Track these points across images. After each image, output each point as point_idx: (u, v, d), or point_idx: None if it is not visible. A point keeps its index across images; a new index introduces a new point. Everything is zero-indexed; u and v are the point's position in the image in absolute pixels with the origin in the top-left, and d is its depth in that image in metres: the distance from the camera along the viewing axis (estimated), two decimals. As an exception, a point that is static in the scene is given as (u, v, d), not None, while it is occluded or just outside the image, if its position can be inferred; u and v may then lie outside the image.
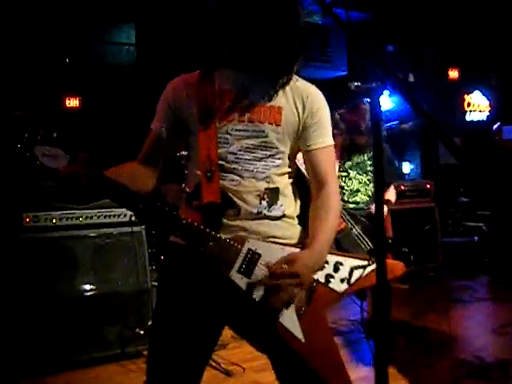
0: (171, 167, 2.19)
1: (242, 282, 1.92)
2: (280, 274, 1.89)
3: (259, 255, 1.94)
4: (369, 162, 4.32)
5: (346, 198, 4.25)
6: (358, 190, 4.29)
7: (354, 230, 4.08)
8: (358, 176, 4.30)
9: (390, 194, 4.46)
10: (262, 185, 2.00)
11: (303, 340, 1.96)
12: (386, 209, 4.15)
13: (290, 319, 1.95)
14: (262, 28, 1.90)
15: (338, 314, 5.22)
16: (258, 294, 1.91)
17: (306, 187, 2.14)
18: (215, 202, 1.96)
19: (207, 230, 1.91)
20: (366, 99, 4.28)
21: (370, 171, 4.31)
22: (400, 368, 3.93)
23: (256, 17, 1.89)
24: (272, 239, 2.01)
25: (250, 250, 1.94)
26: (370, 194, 4.31)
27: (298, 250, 2.00)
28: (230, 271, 1.91)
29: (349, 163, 4.32)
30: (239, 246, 1.93)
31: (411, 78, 8.07)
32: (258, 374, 3.84)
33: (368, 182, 4.30)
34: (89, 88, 7.15)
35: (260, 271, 1.93)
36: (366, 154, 4.33)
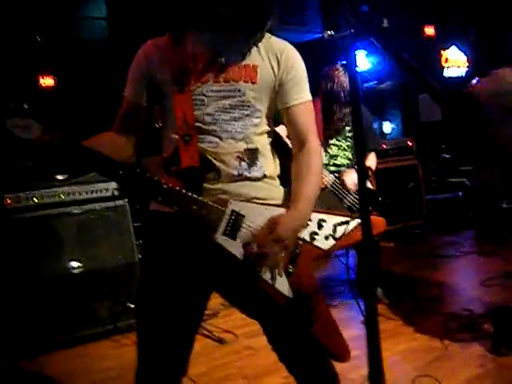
0: (151, 139, 2.15)
1: (227, 243, 1.91)
2: (265, 242, 1.88)
3: (243, 216, 1.94)
4: (347, 128, 4.28)
5: (325, 162, 4.24)
6: (336, 156, 4.27)
7: (335, 185, 4.09)
8: (336, 142, 4.28)
9: (371, 161, 4.42)
10: (241, 145, 1.97)
11: (291, 297, 1.96)
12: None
13: (279, 279, 1.95)
14: None
15: (327, 274, 5.26)
16: (242, 255, 1.91)
17: (284, 148, 2.13)
18: (195, 166, 1.93)
19: (189, 193, 1.89)
20: (340, 62, 4.24)
21: (349, 137, 4.28)
22: (391, 324, 3.97)
23: None
24: (255, 200, 2.00)
25: (233, 211, 1.93)
26: (349, 157, 4.29)
27: (281, 209, 1.99)
28: (215, 234, 1.90)
29: (327, 131, 4.26)
30: (223, 208, 1.92)
31: (385, 24, 7.98)
32: (251, 340, 3.86)
33: (347, 148, 4.28)
34: (63, 65, 7.03)
35: (245, 232, 1.93)
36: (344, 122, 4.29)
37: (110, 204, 4.25)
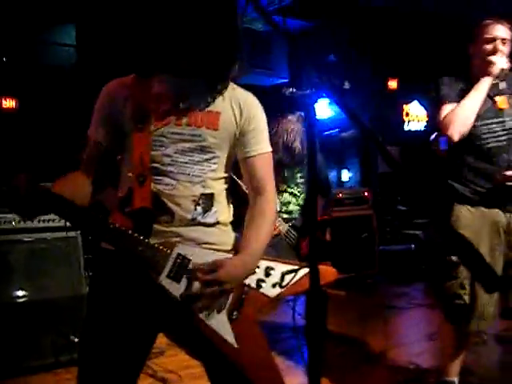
0: (110, 171, 2.15)
1: (171, 286, 1.90)
2: (203, 280, 1.89)
3: (189, 260, 1.93)
4: (299, 175, 4.31)
5: (278, 209, 4.25)
6: (289, 202, 4.30)
7: (288, 234, 4.10)
8: (288, 189, 4.30)
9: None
10: (198, 189, 1.98)
11: (235, 345, 1.95)
12: None
13: (221, 324, 1.95)
14: (193, 36, 1.89)
15: (274, 321, 5.22)
16: (180, 295, 1.91)
17: (239, 196, 2.14)
18: (146, 207, 1.93)
19: (135, 234, 1.88)
20: (296, 112, 4.27)
21: (300, 183, 4.31)
22: (337, 375, 3.95)
23: (188, 25, 1.88)
24: (206, 245, 2.00)
25: (179, 254, 1.93)
26: (300, 203, 4.31)
27: (230, 255, 2.01)
28: (160, 276, 1.90)
29: (279, 178, 4.28)
30: (168, 251, 1.91)
31: (347, 86, 8.17)
32: (195, 382, 3.79)
33: (298, 194, 4.31)
34: (26, 89, 6.98)
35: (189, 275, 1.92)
36: (296, 168, 4.31)
37: (62, 234, 4.18)
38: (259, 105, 2.11)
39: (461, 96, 3.19)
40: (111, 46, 6.82)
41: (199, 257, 1.95)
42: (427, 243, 7.51)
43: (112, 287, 1.99)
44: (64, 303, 4.13)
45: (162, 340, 2.14)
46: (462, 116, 3.13)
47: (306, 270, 2.09)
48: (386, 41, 8.45)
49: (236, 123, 2.03)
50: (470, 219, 3.19)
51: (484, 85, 3.14)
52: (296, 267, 2.11)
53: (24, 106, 7.08)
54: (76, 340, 4.00)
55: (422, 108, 9.83)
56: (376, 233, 7.03)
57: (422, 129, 9.82)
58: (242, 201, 2.15)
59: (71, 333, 4.04)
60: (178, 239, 1.95)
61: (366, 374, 4.05)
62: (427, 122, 9.85)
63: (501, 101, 3.21)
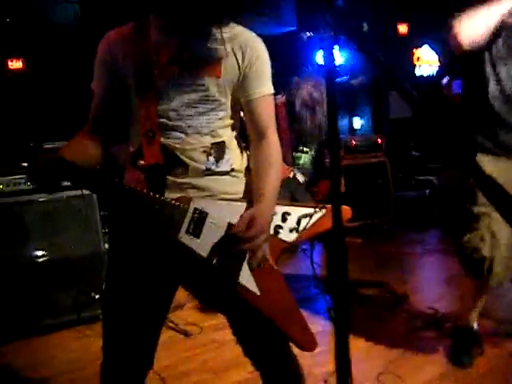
0: (119, 126, 2.12)
1: (191, 242, 1.89)
2: (252, 236, 1.88)
3: (206, 213, 1.92)
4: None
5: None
6: (299, 157, 4.27)
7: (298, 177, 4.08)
8: (299, 148, 4.27)
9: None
10: (208, 140, 1.96)
11: (258, 293, 1.96)
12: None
13: (244, 274, 1.95)
14: None
15: (292, 269, 5.26)
16: (215, 256, 1.90)
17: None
18: (158, 163, 1.91)
19: (151, 193, 1.86)
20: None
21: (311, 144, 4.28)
22: (357, 322, 3.98)
23: None
24: (223, 195, 1.99)
25: (196, 209, 1.91)
26: (312, 154, 4.28)
27: (244, 204, 2.00)
28: (179, 233, 1.88)
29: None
30: (185, 206, 1.90)
31: (365, 28, 8.00)
32: (217, 333, 3.85)
33: (308, 150, 4.27)
34: (33, 48, 6.91)
35: (209, 230, 1.91)
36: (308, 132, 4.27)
37: (77, 193, 4.17)
38: (262, 45, 2.04)
39: None
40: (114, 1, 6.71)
41: (215, 210, 1.94)
42: (441, 189, 7.48)
43: (132, 242, 1.99)
44: (83, 261, 4.17)
45: (181, 293, 2.15)
46: (474, 20, 2.81)
47: (321, 212, 2.10)
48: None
49: (239, 67, 1.98)
50: (496, 168, 2.90)
51: None
52: (312, 210, 2.10)
53: (31, 65, 7.01)
54: (97, 296, 4.05)
55: (434, 52, 9.65)
56: (390, 179, 7.00)
57: (434, 73, 9.66)
58: None
59: (91, 290, 4.09)
60: (193, 190, 1.94)
61: (385, 320, 4.09)
62: (439, 66, 9.70)
63: None
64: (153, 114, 1.91)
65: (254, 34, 2.05)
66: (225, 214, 1.94)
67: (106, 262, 4.08)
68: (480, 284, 3.23)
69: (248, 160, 2.12)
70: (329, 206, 1.88)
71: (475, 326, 3.38)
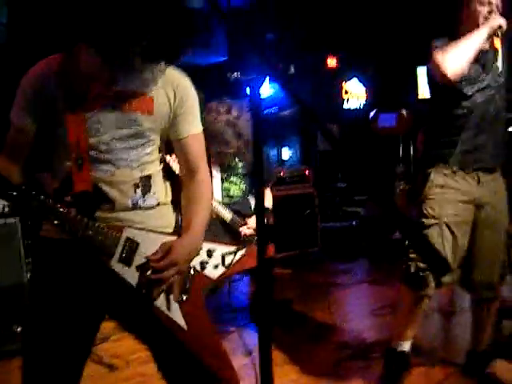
0: (41, 157, 2.09)
1: (122, 270, 1.91)
2: (162, 266, 1.91)
3: (137, 243, 1.94)
4: (240, 165, 4.22)
5: (220, 194, 4.18)
6: (228, 189, 4.22)
7: (233, 221, 4.05)
8: (228, 178, 4.22)
9: (268, 199, 4.39)
10: (136, 173, 1.98)
11: (185, 327, 1.98)
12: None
13: (172, 307, 1.98)
14: (141, 17, 1.75)
15: (213, 302, 5.23)
16: (136, 283, 1.92)
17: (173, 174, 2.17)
18: (87, 191, 1.90)
19: (85, 218, 1.86)
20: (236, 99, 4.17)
21: (242, 174, 4.22)
22: (282, 353, 4.00)
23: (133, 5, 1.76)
24: (152, 228, 2.01)
25: (128, 238, 1.93)
26: (243, 189, 4.23)
27: (174, 237, 2.03)
28: (111, 260, 1.90)
29: (217, 166, 4.18)
30: (118, 234, 1.91)
31: (292, 70, 8.18)
32: (143, 366, 3.78)
33: (238, 182, 4.23)
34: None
35: (139, 259, 1.93)
36: (237, 157, 4.21)
37: (1, 221, 4.07)
38: (191, 85, 2.09)
39: None
40: (43, 25, 6.61)
41: (146, 240, 1.96)
42: (367, 220, 7.64)
43: (54, 274, 1.97)
44: (5, 292, 4.03)
45: (106, 325, 2.13)
46: (456, 53, 3.05)
47: (243, 251, 2.24)
48: (324, 19, 8.48)
49: (170, 105, 2.02)
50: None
51: (482, 31, 3.08)
52: (234, 248, 2.19)
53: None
54: (18, 329, 3.92)
55: (362, 85, 9.92)
56: (317, 210, 7.10)
57: (361, 106, 9.92)
58: (175, 178, 2.18)
59: (13, 322, 3.96)
60: (120, 223, 1.95)
61: (312, 351, 4.11)
62: (366, 99, 9.97)
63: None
64: (83, 144, 1.90)
65: (183, 74, 2.07)
66: (155, 245, 1.97)
67: (28, 293, 3.98)
68: (417, 297, 3.28)
69: (171, 193, 2.14)
70: (252, 244, 1.95)
71: (407, 347, 3.42)
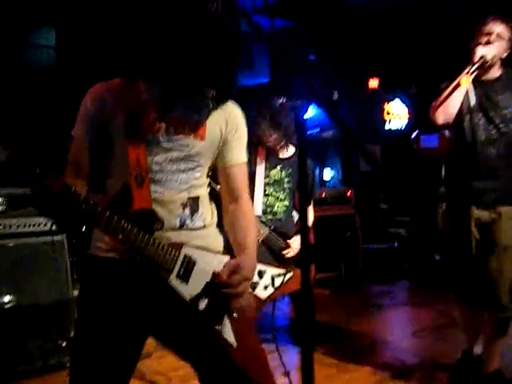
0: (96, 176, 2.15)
1: (180, 286, 1.96)
2: (237, 282, 1.97)
3: (195, 261, 2.00)
4: (286, 179, 4.23)
5: (263, 210, 4.19)
6: (272, 205, 4.22)
7: (270, 237, 4.06)
8: (274, 193, 4.23)
9: (310, 217, 4.42)
10: (185, 195, 2.04)
11: (235, 345, 2.01)
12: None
13: (225, 324, 2.02)
14: (186, 50, 1.85)
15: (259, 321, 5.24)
16: (200, 302, 1.97)
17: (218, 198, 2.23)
18: (147, 209, 1.96)
19: (147, 234, 1.92)
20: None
21: (288, 188, 4.22)
22: (323, 373, 3.99)
23: (180, 38, 1.85)
24: (205, 248, 2.07)
25: (186, 255, 1.99)
26: (287, 205, 4.22)
27: (227, 256, 2.09)
28: (170, 275, 1.95)
29: (266, 180, 4.21)
30: (177, 252, 1.97)
31: (335, 96, 8.21)
32: None
33: (283, 198, 4.22)
34: (6, 90, 6.92)
35: (197, 276, 1.99)
36: (283, 171, 4.23)
37: (47, 239, 4.17)
38: (242, 115, 2.17)
39: None
40: (92, 48, 6.79)
41: (202, 258, 2.03)
42: (409, 241, 7.58)
43: (102, 291, 2.03)
44: (51, 307, 4.12)
45: (148, 342, 2.17)
46: (442, 102, 3.31)
47: (291, 273, 2.32)
48: (366, 40, 8.49)
49: (221, 133, 2.09)
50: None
51: (460, 76, 3.22)
52: (283, 271, 2.24)
53: (2, 107, 7.01)
54: (64, 344, 4.00)
55: (404, 106, 9.86)
56: (359, 231, 7.08)
57: (403, 127, 9.85)
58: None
59: (59, 337, 4.04)
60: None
61: (352, 371, 4.10)
62: (408, 119, 9.90)
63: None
64: (143, 161, 1.97)
65: (235, 104, 2.14)
66: (210, 263, 2.03)
67: (73, 309, 4.06)
68: (476, 317, 3.39)
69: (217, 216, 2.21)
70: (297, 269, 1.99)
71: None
